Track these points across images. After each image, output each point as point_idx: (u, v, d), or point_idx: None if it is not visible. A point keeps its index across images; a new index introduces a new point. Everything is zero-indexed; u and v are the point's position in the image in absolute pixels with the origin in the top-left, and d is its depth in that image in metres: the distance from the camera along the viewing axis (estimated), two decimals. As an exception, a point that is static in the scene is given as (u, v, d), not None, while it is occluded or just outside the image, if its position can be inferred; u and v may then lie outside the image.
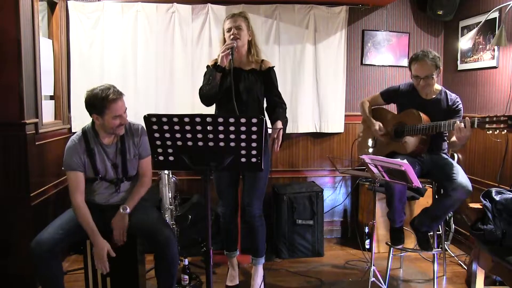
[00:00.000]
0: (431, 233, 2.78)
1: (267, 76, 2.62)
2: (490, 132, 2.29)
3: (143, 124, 1.73)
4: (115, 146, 2.38)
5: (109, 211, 2.35)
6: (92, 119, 2.34)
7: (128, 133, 2.41)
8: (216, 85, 2.50)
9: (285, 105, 2.70)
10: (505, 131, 2.24)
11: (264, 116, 2.57)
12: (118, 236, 2.30)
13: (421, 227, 2.66)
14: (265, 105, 2.72)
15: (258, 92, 2.60)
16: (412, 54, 2.76)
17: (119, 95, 2.26)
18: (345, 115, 3.78)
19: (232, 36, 2.49)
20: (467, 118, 2.40)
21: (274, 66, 2.66)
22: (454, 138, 2.52)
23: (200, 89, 2.58)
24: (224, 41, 2.56)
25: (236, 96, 2.48)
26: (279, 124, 2.53)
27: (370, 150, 2.99)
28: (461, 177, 2.52)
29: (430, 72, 2.62)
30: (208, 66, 2.64)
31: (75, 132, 2.87)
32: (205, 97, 2.56)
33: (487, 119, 2.30)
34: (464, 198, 2.51)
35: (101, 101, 2.21)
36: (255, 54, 2.62)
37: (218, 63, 2.47)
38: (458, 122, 2.44)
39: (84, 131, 2.35)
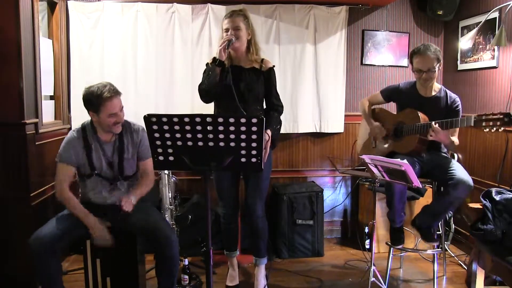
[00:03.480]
0: (432, 232, 2.77)
1: (267, 77, 2.60)
2: (487, 130, 2.30)
3: (144, 125, 1.73)
4: (112, 144, 2.38)
5: (107, 211, 2.35)
6: None
7: (127, 132, 2.41)
8: (215, 79, 2.46)
9: (282, 107, 2.67)
10: (502, 128, 2.25)
11: (264, 116, 2.59)
12: (126, 203, 2.27)
13: (422, 225, 2.66)
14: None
15: (259, 91, 2.58)
16: (413, 48, 2.76)
17: (114, 93, 2.26)
18: (345, 115, 3.78)
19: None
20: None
21: (274, 66, 2.64)
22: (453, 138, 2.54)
23: (200, 85, 2.55)
24: None
25: (237, 94, 2.47)
26: (268, 133, 2.50)
27: (376, 143, 2.98)
28: (461, 173, 2.52)
29: (432, 65, 2.62)
30: (207, 64, 2.61)
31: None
32: (205, 92, 2.52)
33: (483, 117, 2.32)
34: (465, 194, 2.50)
35: (96, 99, 2.22)
36: (255, 53, 2.59)
37: (217, 57, 2.44)
38: (432, 123, 2.46)
39: (83, 126, 2.37)
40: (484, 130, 2.33)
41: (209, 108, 2.68)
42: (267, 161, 2.56)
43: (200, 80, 2.62)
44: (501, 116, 2.24)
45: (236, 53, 2.57)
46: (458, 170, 2.54)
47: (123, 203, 2.27)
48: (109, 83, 2.29)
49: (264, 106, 2.69)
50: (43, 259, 2.12)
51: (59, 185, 2.32)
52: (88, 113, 2.31)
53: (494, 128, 2.27)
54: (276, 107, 2.64)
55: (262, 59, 2.62)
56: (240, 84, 2.52)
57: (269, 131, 2.51)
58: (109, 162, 2.37)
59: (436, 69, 2.65)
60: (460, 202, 2.60)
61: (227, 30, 2.50)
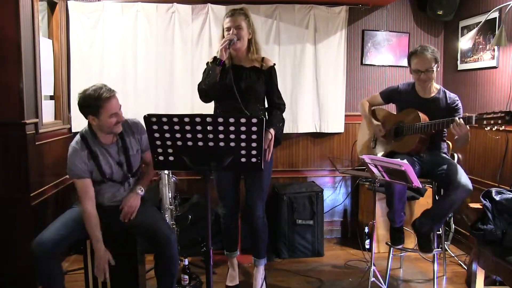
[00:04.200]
0: (432, 234, 2.77)
1: (268, 75, 2.58)
2: (488, 128, 2.31)
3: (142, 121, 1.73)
4: (116, 144, 2.37)
5: (111, 212, 2.35)
6: (88, 121, 2.30)
7: (127, 130, 2.39)
8: (214, 79, 2.43)
9: (284, 106, 2.67)
10: (503, 127, 2.25)
11: (265, 116, 2.59)
12: (127, 213, 2.30)
13: (422, 228, 2.65)
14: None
15: (260, 91, 2.56)
16: (411, 50, 2.77)
17: (112, 92, 2.23)
18: (345, 115, 3.78)
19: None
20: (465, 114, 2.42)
21: (275, 64, 2.62)
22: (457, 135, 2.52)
23: (199, 84, 2.53)
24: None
25: (237, 94, 2.45)
26: (271, 132, 2.49)
27: (376, 143, 2.97)
28: (461, 176, 2.52)
29: (430, 65, 2.63)
30: (207, 63, 2.58)
31: (75, 132, 2.85)
32: (204, 92, 2.50)
33: (485, 115, 2.32)
34: (465, 197, 2.51)
35: (95, 101, 2.18)
36: (255, 52, 2.57)
37: (218, 57, 2.41)
38: (456, 118, 2.45)
39: (82, 135, 2.31)
40: (485, 129, 2.34)
41: (209, 108, 2.68)
42: (269, 162, 2.55)
43: (200, 80, 2.61)
44: (502, 115, 2.25)
45: (237, 53, 2.55)
46: (458, 173, 2.54)
47: (124, 213, 2.31)
48: (103, 84, 2.25)
49: (266, 105, 2.68)
50: (45, 263, 2.11)
51: (81, 201, 2.27)
52: (86, 118, 2.26)
53: (495, 127, 2.27)
54: (278, 106, 2.63)
55: (263, 58, 2.60)
56: (240, 84, 2.51)
57: (272, 130, 2.50)
58: (118, 162, 2.35)
59: (434, 69, 2.65)
60: (459, 205, 2.60)
61: (228, 29, 2.48)
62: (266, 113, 2.67)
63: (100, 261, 2.23)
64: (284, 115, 2.72)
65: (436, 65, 2.65)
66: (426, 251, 2.69)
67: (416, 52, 2.68)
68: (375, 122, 2.96)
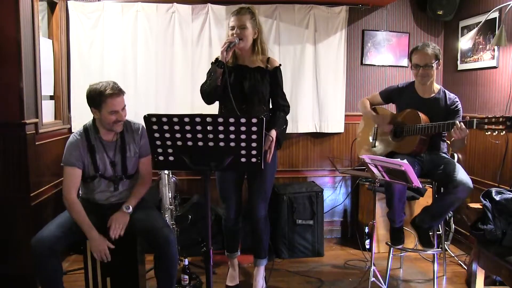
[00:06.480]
0: (431, 233, 2.77)
1: (273, 76, 2.55)
2: (489, 133, 2.30)
3: (143, 124, 1.73)
4: (115, 143, 2.39)
5: (109, 210, 2.35)
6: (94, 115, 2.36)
7: (128, 131, 2.42)
8: (215, 81, 2.42)
9: (288, 107, 2.64)
10: (504, 132, 2.24)
11: (267, 117, 2.57)
12: (115, 229, 2.28)
13: (422, 225, 2.66)
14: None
15: (264, 92, 2.53)
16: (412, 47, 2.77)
17: (117, 91, 2.27)
18: (345, 115, 3.78)
19: (234, 35, 2.43)
20: (467, 117, 2.41)
21: (280, 65, 2.60)
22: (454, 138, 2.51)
23: (201, 86, 2.53)
24: None
25: (241, 95, 2.44)
26: (273, 134, 2.47)
27: (376, 143, 2.96)
28: (462, 174, 2.52)
29: (430, 61, 2.63)
30: (212, 63, 2.57)
31: (75, 132, 2.84)
32: (205, 93, 2.50)
33: (486, 120, 2.31)
34: (465, 195, 2.50)
35: (98, 95, 2.24)
36: (261, 52, 2.53)
37: (219, 59, 2.41)
38: (457, 122, 2.44)
39: (85, 128, 2.37)
40: (486, 133, 2.32)
41: (209, 108, 2.67)
42: (272, 162, 2.53)
43: (200, 81, 2.61)
44: (503, 120, 2.23)
45: (242, 52, 2.53)
46: (458, 172, 2.54)
47: (112, 230, 2.27)
48: (114, 82, 2.30)
49: (270, 106, 2.66)
50: (44, 261, 2.12)
51: (66, 189, 2.31)
52: (91, 110, 2.31)
53: (496, 132, 2.26)
54: (282, 107, 2.61)
55: (268, 58, 2.57)
56: (244, 85, 2.49)
57: (274, 132, 2.48)
58: (111, 162, 2.37)
59: (434, 66, 2.65)
60: (459, 203, 2.60)
61: (233, 28, 2.45)
62: (270, 115, 2.62)
63: (98, 246, 2.23)
64: (285, 116, 2.70)
65: (436, 62, 2.65)
66: (427, 246, 2.70)
67: (417, 48, 2.69)
68: (376, 115, 2.93)
